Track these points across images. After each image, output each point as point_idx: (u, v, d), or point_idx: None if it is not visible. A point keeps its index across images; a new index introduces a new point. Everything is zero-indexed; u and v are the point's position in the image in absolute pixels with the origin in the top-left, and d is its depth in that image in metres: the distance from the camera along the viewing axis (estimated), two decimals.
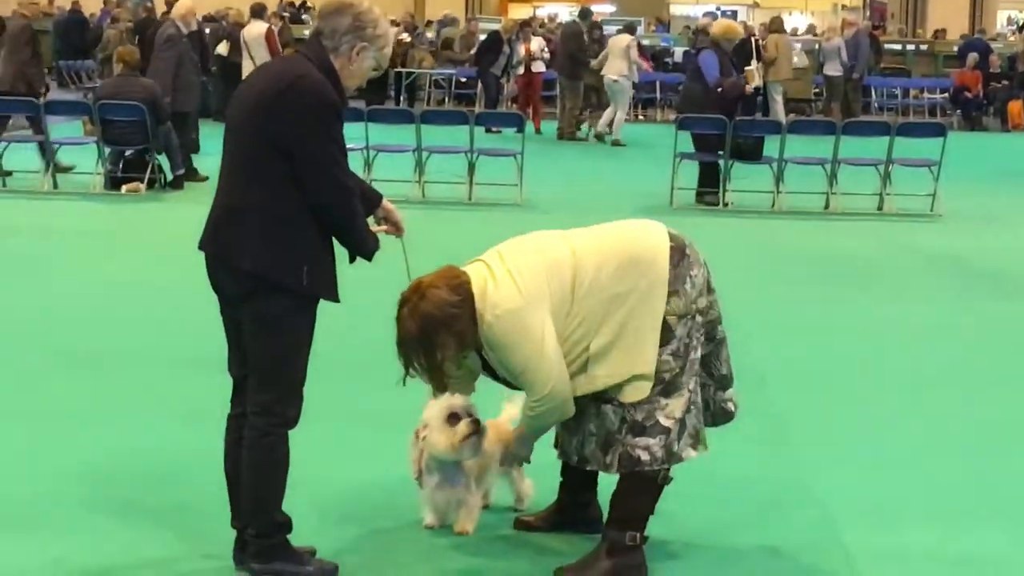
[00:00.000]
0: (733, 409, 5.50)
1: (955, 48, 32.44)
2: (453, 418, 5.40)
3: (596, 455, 5.24)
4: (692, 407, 5.21)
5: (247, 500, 5.08)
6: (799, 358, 9.09)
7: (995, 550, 5.70)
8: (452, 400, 5.42)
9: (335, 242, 5.09)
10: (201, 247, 5.05)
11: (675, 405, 5.14)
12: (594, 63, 23.90)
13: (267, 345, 4.95)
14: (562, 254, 5.20)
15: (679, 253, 5.22)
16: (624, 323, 5.10)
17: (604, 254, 5.20)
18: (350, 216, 5.02)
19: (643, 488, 5.21)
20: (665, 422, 5.12)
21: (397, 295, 5.26)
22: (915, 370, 8.87)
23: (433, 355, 5.14)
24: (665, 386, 5.13)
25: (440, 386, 5.30)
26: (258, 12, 23.47)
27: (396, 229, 5.51)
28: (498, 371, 5.31)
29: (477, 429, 5.41)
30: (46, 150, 16.34)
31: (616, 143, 22.84)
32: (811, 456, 6.94)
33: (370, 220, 5.37)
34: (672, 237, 5.28)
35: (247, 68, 23.15)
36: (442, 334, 5.11)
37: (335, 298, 5.06)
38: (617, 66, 23.03)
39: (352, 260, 5.15)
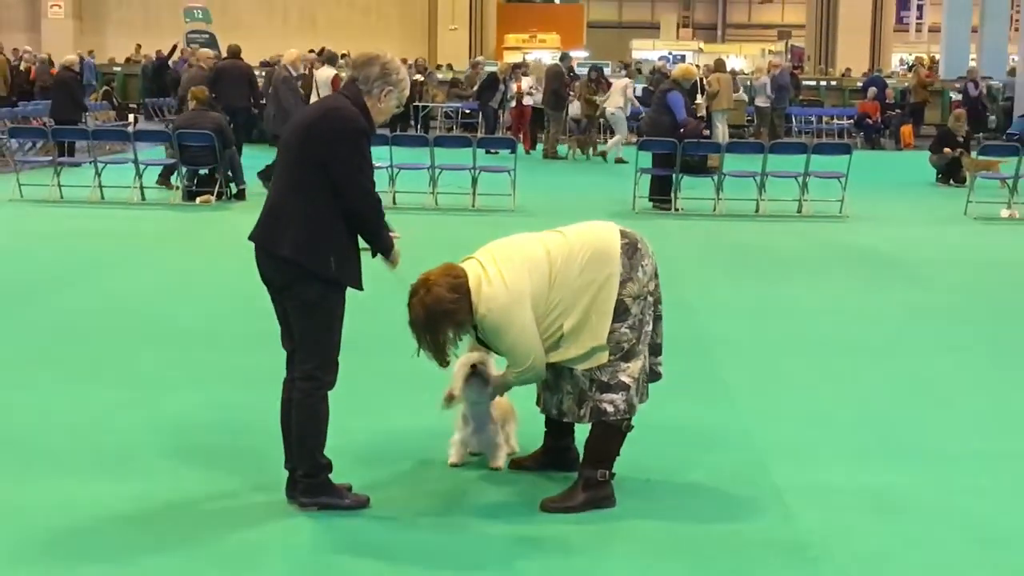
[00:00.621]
0: (662, 372, 5.50)
1: (859, 83, 32.43)
2: (469, 367, 5.48)
3: (572, 409, 5.27)
4: (644, 370, 5.27)
5: (296, 447, 5.11)
6: (737, 331, 9.05)
7: (896, 482, 5.68)
8: (469, 355, 5.49)
9: (361, 241, 5.14)
10: (250, 238, 5.12)
11: (635, 367, 5.19)
12: (599, 99, 23.90)
13: (307, 324, 5.02)
14: (540, 254, 5.22)
15: (632, 247, 5.25)
16: (589, 307, 5.14)
17: (572, 252, 5.22)
18: (374, 218, 5.09)
19: (610, 435, 5.25)
20: (627, 380, 5.17)
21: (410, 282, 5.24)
22: (830, 339, 8.85)
23: (436, 338, 5.16)
24: (624, 353, 5.18)
25: (442, 362, 5.27)
26: (331, 59, 23.96)
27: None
28: (488, 345, 5.36)
29: (474, 371, 5.46)
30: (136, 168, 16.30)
31: (619, 160, 22.74)
32: (747, 410, 6.91)
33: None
34: (625, 234, 5.29)
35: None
36: (443, 323, 5.13)
37: (359, 286, 5.11)
38: (615, 100, 23.10)
39: (374, 255, 5.21)
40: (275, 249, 4.99)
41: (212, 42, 36.16)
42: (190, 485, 5.47)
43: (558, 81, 24.55)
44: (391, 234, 5.23)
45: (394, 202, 15.69)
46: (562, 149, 24.38)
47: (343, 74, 21.92)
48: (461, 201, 15.93)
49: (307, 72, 26.06)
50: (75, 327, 8.80)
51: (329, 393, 5.12)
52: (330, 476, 5.17)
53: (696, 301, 9.84)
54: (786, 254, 12.90)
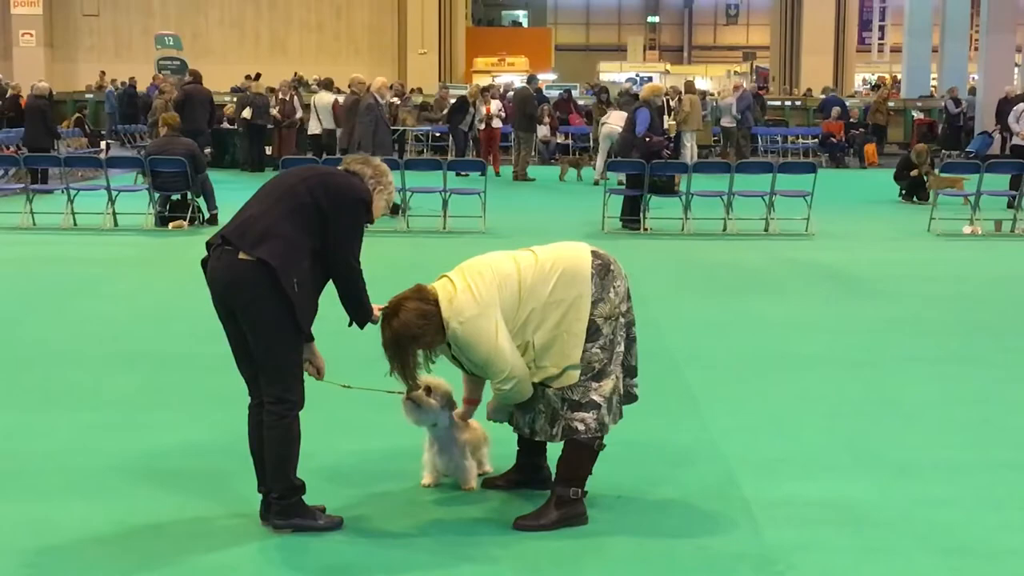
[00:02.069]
0: (637, 393, 5.51)
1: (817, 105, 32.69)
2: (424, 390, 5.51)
3: (544, 428, 5.27)
4: (617, 390, 5.26)
5: (270, 469, 5.09)
6: (705, 346, 9.09)
7: (863, 495, 5.71)
8: (424, 378, 5.46)
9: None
10: (213, 239, 5.09)
11: (606, 386, 5.19)
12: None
13: (268, 347, 4.99)
14: (510, 269, 5.24)
15: (604, 268, 5.25)
16: (558, 325, 5.15)
17: (543, 270, 5.22)
18: (356, 289, 5.18)
19: (582, 454, 5.25)
20: (598, 399, 5.17)
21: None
22: (797, 354, 8.90)
23: (404, 360, 5.16)
24: (596, 373, 5.18)
25: (411, 383, 5.29)
26: (327, 85, 24.28)
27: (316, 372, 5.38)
28: (463, 363, 5.32)
29: (408, 396, 5.46)
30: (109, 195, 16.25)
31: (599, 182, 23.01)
32: (715, 424, 6.93)
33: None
34: (598, 255, 5.30)
35: (313, 127, 23.71)
36: (410, 346, 5.14)
37: (306, 330, 5.06)
38: (616, 123, 23.14)
39: (350, 324, 5.29)
40: (248, 250, 4.91)
41: (183, 68, 36.05)
42: (164, 507, 5.44)
43: (528, 104, 24.63)
44: (374, 308, 5.28)
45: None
46: (532, 171, 24.43)
47: (341, 99, 22.09)
48: (432, 224, 15.95)
49: (288, 98, 26.13)
50: (48, 352, 8.75)
51: (301, 415, 5.10)
52: (303, 498, 5.15)
53: (665, 319, 9.88)
54: (753, 272, 12.97)
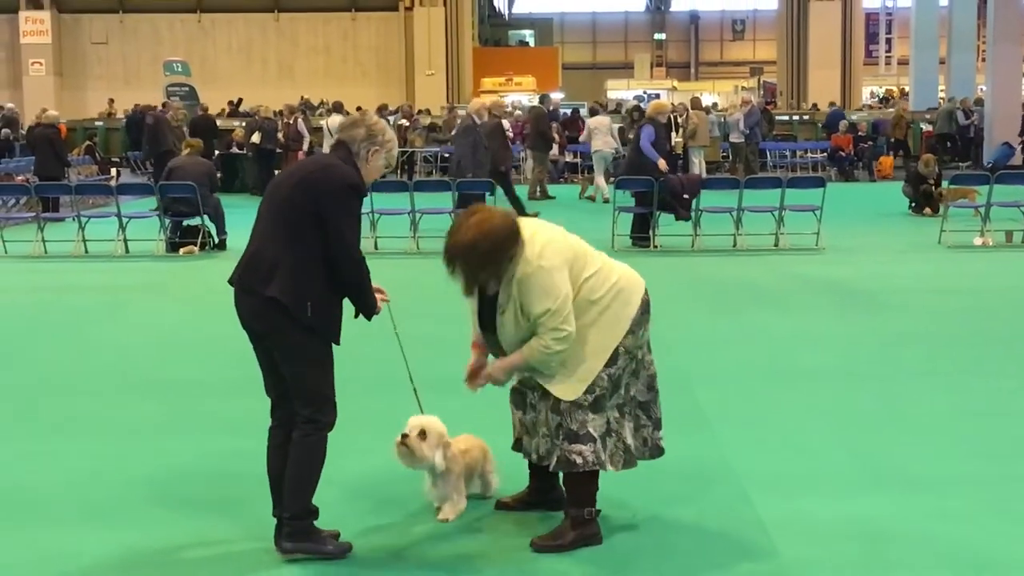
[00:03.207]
0: (663, 447, 5.48)
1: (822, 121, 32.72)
2: (400, 438, 5.47)
3: (546, 456, 5.28)
4: (613, 433, 5.21)
5: (288, 487, 5.07)
6: (716, 362, 9.08)
7: (878, 510, 5.68)
8: (415, 419, 5.53)
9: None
10: (231, 281, 5.11)
11: (599, 422, 5.17)
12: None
13: (297, 369, 5.01)
14: (586, 251, 5.24)
15: (646, 306, 5.26)
16: (588, 327, 5.10)
17: (606, 273, 5.21)
18: (356, 273, 5.06)
19: (583, 478, 5.24)
20: (593, 432, 5.15)
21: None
22: (807, 369, 8.87)
23: (477, 267, 5.03)
24: (595, 400, 5.15)
25: (468, 291, 5.26)
26: (337, 108, 24.49)
27: (382, 295, 5.44)
28: (510, 307, 5.11)
29: (402, 442, 5.43)
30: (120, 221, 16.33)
31: (591, 199, 23.19)
32: (726, 441, 6.91)
33: None
34: (647, 295, 5.30)
35: (326, 149, 23.87)
36: (492, 254, 4.98)
37: (333, 339, 5.10)
38: (606, 140, 23.28)
39: (356, 316, 5.22)
40: (261, 289, 4.95)
41: (192, 94, 36.31)
42: (180, 534, 5.44)
43: (543, 122, 24.66)
44: (379, 295, 5.27)
45: (376, 247, 15.72)
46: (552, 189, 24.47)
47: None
48: (442, 245, 15.94)
49: (292, 122, 26.26)
50: (60, 380, 8.77)
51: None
52: (315, 522, 5.14)
53: (675, 335, 9.87)
54: (764, 287, 12.95)
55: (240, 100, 38.00)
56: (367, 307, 5.18)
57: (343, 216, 4.99)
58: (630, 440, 5.29)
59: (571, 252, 5.15)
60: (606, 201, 22.71)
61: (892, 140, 30.34)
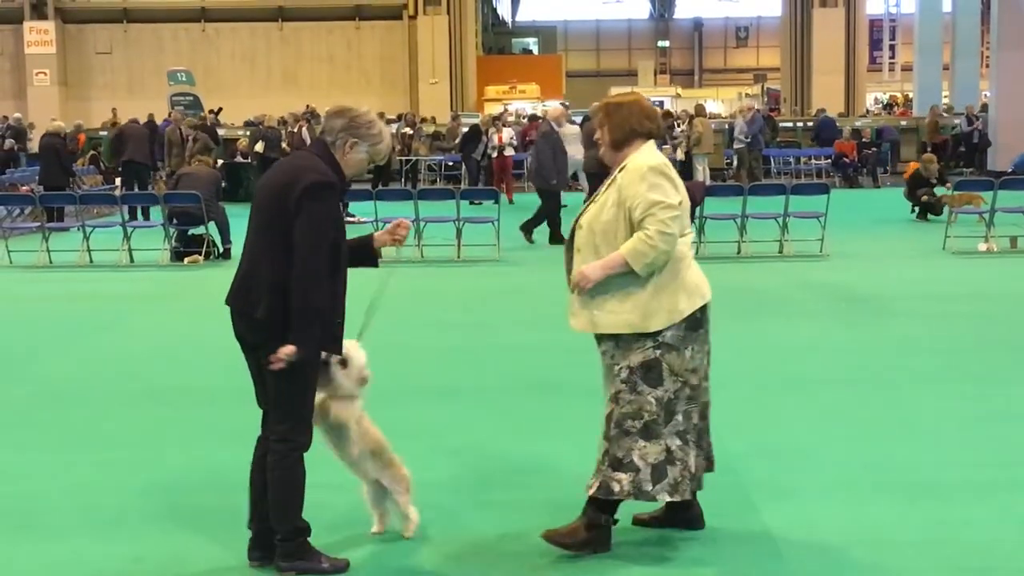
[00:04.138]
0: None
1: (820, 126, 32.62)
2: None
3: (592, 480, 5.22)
4: (676, 461, 5.11)
5: (274, 511, 4.98)
6: (721, 370, 8.99)
7: (883, 517, 5.67)
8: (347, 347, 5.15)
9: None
10: (226, 302, 5.02)
11: (651, 450, 5.07)
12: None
13: (282, 386, 4.86)
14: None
15: (694, 323, 5.24)
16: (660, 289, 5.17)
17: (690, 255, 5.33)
18: (302, 294, 4.75)
19: None
20: (638, 462, 5.06)
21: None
22: (813, 376, 8.86)
23: (623, 118, 5.23)
24: (645, 426, 5.07)
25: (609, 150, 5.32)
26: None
27: (399, 229, 5.34)
28: (600, 200, 5.22)
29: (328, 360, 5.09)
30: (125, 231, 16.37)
31: None
32: (732, 448, 6.88)
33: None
34: (706, 311, 5.38)
35: None
36: (632, 118, 5.21)
37: (333, 350, 4.97)
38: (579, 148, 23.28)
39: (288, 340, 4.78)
40: (250, 311, 4.86)
41: (196, 104, 36.39)
42: (184, 544, 5.43)
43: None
44: (356, 219, 5.15)
45: (380, 255, 15.71)
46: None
47: None
48: (446, 252, 15.97)
49: (297, 130, 26.29)
50: (65, 390, 8.77)
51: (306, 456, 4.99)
52: (308, 539, 5.06)
53: None
54: (768, 294, 12.93)
55: (220, 109, 38.13)
56: (300, 330, 4.74)
57: (308, 216, 4.75)
58: (697, 471, 5.21)
59: (685, 199, 5.19)
60: None
61: (928, 145, 30.21)
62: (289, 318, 4.75)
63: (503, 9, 67.40)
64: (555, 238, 16.70)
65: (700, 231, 16.06)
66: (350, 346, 5.13)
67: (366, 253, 5.30)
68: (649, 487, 5.07)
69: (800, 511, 5.78)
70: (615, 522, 5.27)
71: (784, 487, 6.16)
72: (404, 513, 5.43)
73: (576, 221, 5.29)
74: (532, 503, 5.93)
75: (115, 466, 6.75)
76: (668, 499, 5.14)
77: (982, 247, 16.11)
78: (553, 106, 25.13)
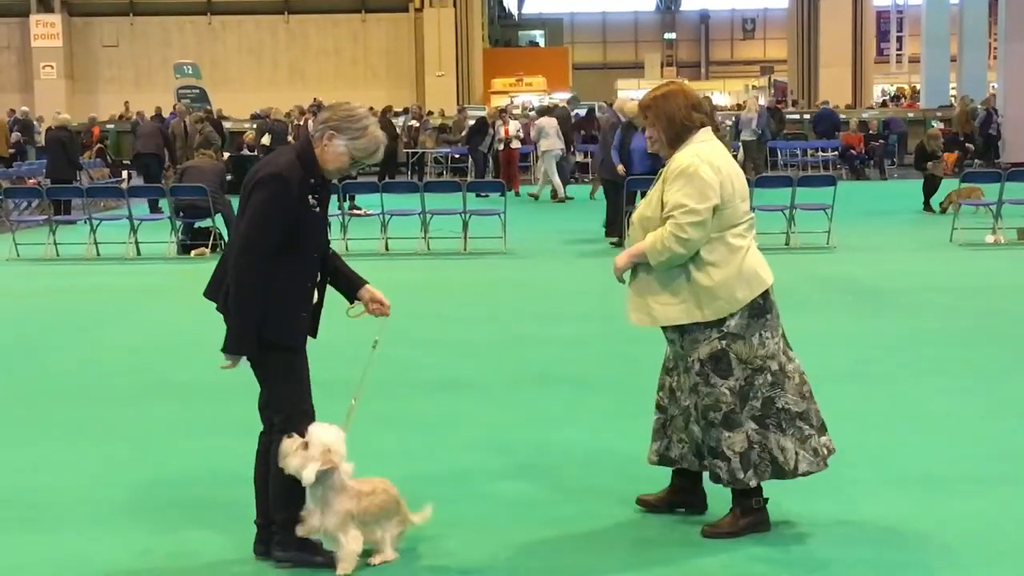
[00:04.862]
0: (834, 447, 5.45)
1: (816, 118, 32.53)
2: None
3: (690, 459, 5.40)
4: (755, 446, 5.20)
5: (272, 497, 4.96)
6: None
7: (889, 511, 5.67)
8: (315, 428, 4.87)
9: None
10: (204, 293, 5.01)
11: (735, 439, 5.19)
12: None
13: (261, 377, 4.87)
14: (746, 205, 5.35)
15: (760, 311, 5.26)
16: (712, 266, 5.17)
17: (751, 241, 5.37)
18: (235, 284, 4.70)
19: None
20: (727, 452, 5.20)
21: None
22: (819, 369, 8.77)
23: (663, 112, 5.25)
24: (725, 419, 5.17)
25: (660, 146, 5.33)
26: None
27: (382, 307, 5.14)
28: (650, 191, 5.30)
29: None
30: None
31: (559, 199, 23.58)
32: None
33: (355, 307, 5.14)
34: (769, 295, 5.35)
35: None
36: (678, 112, 5.22)
37: (290, 342, 4.81)
38: (553, 142, 23.50)
39: (224, 347, 4.79)
40: (216, 301, 4.87)
41: (203, 97, 36.41)
42: (188, 538, 5.44)
43: (565, 123, 24.65)
44: (377, 308, 5.04)
45: (387, 248, 15.75)
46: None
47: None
48: (453, 245, 15.98)
49: (303, 123, 26.32)
50: (72, 383, 8.80)
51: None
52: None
53: None
54: (775, 286, 12.89)
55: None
56: (237, 333, 4.71)
57: (254, 204, 4.66)
58: (779, 454, 5.24)
59: (738, 188, 5.22)
60: (561, 200, 23.09)
61: (960, 136, 30.05)
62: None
63: (509, 2, 67.35)
64: (612, 230, 16.47)
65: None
66: (326, 433, 4.83)
67: (350, 290, 5.16)
68: (741, 475, 5.20)
69: (806, 504, 5.77)
70: (767, 500, 5.36)
71: (790, 480, 6.13)
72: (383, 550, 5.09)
73: (629, 217, 5.38)
74: (538, 495, 5.94)
75: (122, 459, 6.77)
76: (755, 483, 5.25)
77: (989, 239, 16.09)
78: (622, 97, 25.21)
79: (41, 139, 28.57)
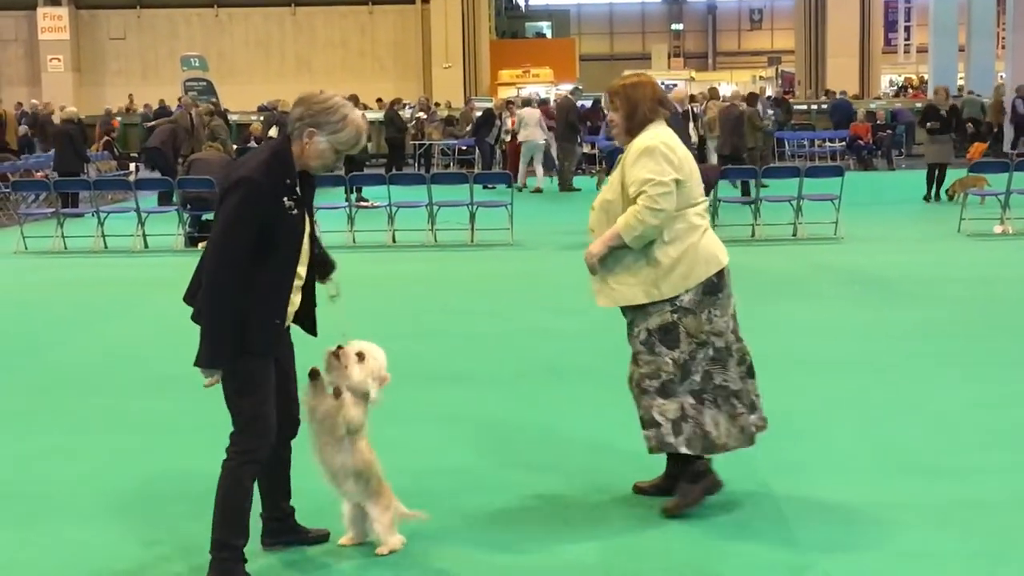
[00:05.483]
0: (764, 424, 5.59)
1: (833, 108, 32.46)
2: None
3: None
4: (689, 419, 5.35)
5: (214, 516, 4.71)
6: None
7: (894, 499, 5.68)
8: (356, 342, 4.90)
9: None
10: (184, 299, 4.83)
11: (669, 407, 5.34)
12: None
13: (223, 388, 4.65)
14: (700, 187, 5.47)
15: (713, 288, 5.38)
16: (669, 243, 5.33)
17: (705, 222, 5.47)
18: (206, 303, 4.57)
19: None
20: (659, 419, 5.34)
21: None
22: (825, 358, 8.86)
23: (634, 102, 5.43)
24: (662, 385, 5.34)
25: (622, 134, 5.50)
26: (353, 101, 24.54)
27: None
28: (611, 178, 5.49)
29: (334, 353, 4.85)
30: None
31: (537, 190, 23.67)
32: None
33: (326, 285, 4.94)
34: (723, 276, 5.45)
35: None
36: (642, 101, 5.41)
37: (258, 351, 4.60)
38: (536, 133, 23.63)
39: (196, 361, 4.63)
40: (191, 306, 4.71)
41: (209, 89, 36.43)
42: (195, 530, 5.44)
43: (572, 113, 24.59)
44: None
45: (394, 240, 15.75)
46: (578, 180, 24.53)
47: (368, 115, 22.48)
48: (460, 237, 15.98)
49: None
50: (79, 375, 8.82)
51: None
52: (237, 560, 4.72)
53: None
54: (782, 276, 12.93)
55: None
56: (209, 346, 4.54)
57: (223, 217, 4.45)
58: (712, 429, 5.38)
59: (693, 171, 5.39)
60: (534, 190, 23.29)
61: (993, 126, 29.85)
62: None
63: None
64: None
65: (714, 216, 16.05)
66: (368, 346, 4.87)
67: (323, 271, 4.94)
68: (671, 439, 5.34)
69: (812, 493, 5.79)
70: (710, 461, 5.49)
71: (796, 468, 6.18)
72: (384, 540, 5.04)
73: (592, 205, 5.54)
74: (545, 487, 5.95)
75: (130, 451, 6.80)
76: (686, 451, 5.37)
77: (998, 229, 16.06)
78: (678, 88, 25.19)
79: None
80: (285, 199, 4.53)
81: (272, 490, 5.09)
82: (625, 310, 5.47)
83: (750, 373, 5.53)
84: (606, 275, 5.40)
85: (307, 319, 4.90)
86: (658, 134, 5.38)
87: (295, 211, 4.58)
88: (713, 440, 5.40)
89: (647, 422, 5.37)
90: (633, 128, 5.42)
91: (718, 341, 5.38)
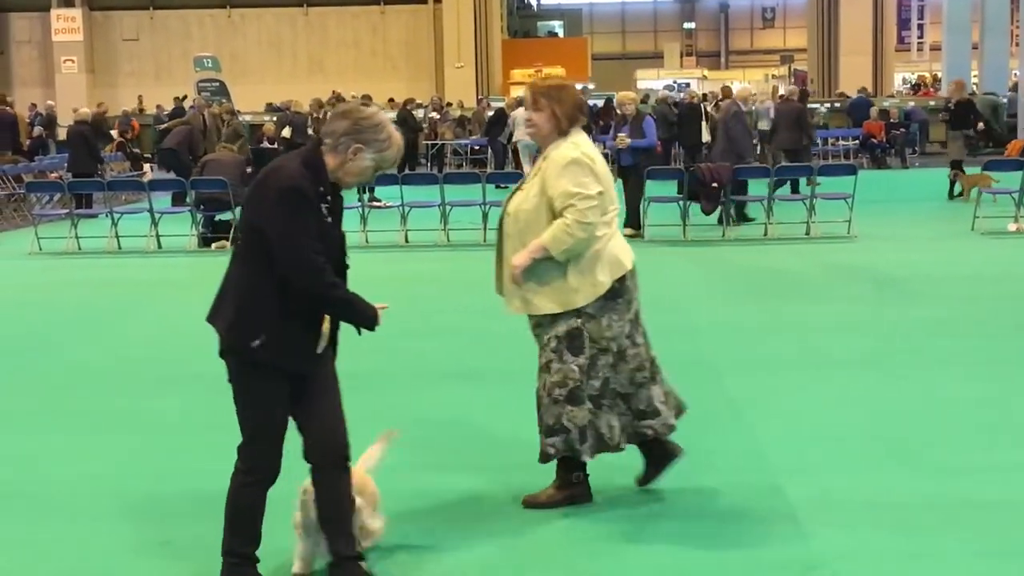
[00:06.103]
0: (650, 434, 5.61)
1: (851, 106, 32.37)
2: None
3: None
4: (594, 427, 5.47)
5: (232, 531, 4.71)
6: (746, 352, 9.06)
7: (907, 499, 5.67)
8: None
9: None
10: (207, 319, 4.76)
11: (578, 414, 5.42)
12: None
13: (235, 400, 4.61)
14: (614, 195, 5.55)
15: (613, 293, 5.42)
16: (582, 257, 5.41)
17: (614, 229, 5.56)
18: (324, 291, 4.46)
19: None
20: (568, 425, 5.43)
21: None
22: (839, 358, 8.84)
23: (554, 99, 5.48)
24: (570, 393, 5.40)
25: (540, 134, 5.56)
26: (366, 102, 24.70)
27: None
28: (528, 185, 5.52)
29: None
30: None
31: None
32: (757, 429, 6.91)
33: None
34: (628, 279, 5.47)
35: None
36: (561, 101, 5.46)
37: (297, 367, 4.55)
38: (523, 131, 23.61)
39: (359, 331, 4.64)
40: (214, 322, 4.66)
41: (222, 90, 36.50)
42: (207, 529, 5.44)
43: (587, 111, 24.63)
44: (377, 305, 4.63)
45: (407, 240, 15.77)
46: None
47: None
48: (473, 237, 15.98)
49: (320, 116, 26.37)
50: (92, 375, 8.86)
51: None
52: (245, 566, 4.69)
53: (705, 325, 9.86)
54: (795, 276, 12.91)
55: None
56: (361, 317, 4.56)
57: (283, 225, 4.37)
58: (604, 429, 5.50)
59: (608, 179, 5.47)
60: None
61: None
62: (239, 330, 4.56)
63: None
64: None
65: (727, 214, 16.03)
66: (364, 479, 4.97)
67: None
68: (578, 445, 5.44)
69: (825, 492, 5.78)
70: (587, 475, 5.58)
71: (809, 468, 6.17)
72: (367, 527, 4.98)
73: (504, 208, 5.59)
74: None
75: (142, 450, 6.82)
76: (587, 459, 5.50)
77: (1012, 227, 16.01)
78: (739, 86, 25.16)
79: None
80: (322, 206, 4.49)
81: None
82: (531, 317, 5.53)
83: (652, 379, 5.56)
84: (520, 284, 5.45)
85: (332, 340, 4.73)
86: (578, 143, 5.43)
87: (329, 219, 4.55)
88: (607, 441, 5.52)
89: (555, 430, 5.42)
90: (555, 131, 5.45)
91: (613, 346, 5.45)
